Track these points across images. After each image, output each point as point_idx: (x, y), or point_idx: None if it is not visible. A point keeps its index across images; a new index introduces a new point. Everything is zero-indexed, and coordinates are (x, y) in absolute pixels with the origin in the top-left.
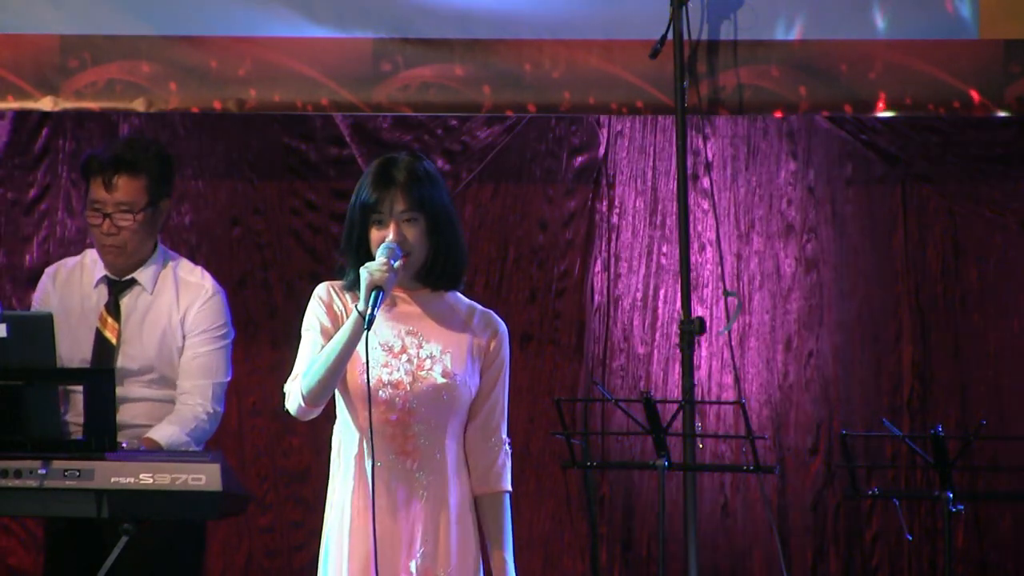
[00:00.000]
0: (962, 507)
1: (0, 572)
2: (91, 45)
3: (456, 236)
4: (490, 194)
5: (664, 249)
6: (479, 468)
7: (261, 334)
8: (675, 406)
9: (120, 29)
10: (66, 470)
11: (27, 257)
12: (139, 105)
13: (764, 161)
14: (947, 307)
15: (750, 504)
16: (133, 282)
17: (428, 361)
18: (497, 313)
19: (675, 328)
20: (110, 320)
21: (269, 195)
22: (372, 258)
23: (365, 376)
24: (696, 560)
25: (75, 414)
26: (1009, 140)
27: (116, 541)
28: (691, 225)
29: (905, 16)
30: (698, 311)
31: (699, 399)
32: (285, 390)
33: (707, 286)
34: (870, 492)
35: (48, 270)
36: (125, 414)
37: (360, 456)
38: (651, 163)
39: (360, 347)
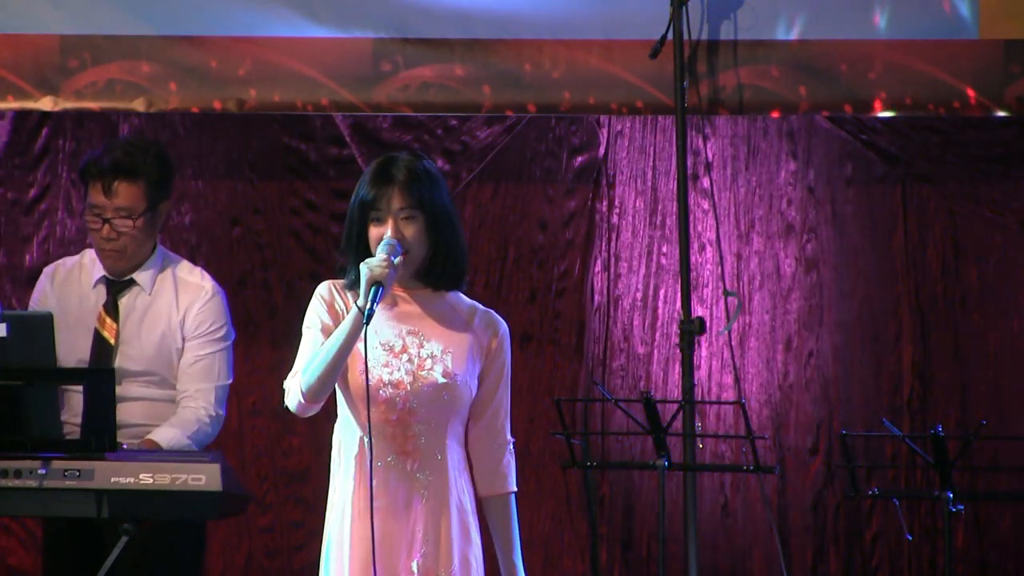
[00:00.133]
0: (962, 507)
1: (0, 572)
2: (91, 45)
3: (456, 236)
4: (490, 194)
5: (664, 249)
6: (485, 470)
7: (261, 334)
8: (675, 406)
9: (120, 29)
10: (66, 470)
11: (27, 257)
12: (139, 105)
13: (764, 161)
14: (947, 307)
15: (750, 504)
16: (132, 282)
17: (429, 361)
18: (497, 313)
19: (675, 328)
20: (108, 320)
21: (269, 195)
22: (371, 256)
23: (365, 375)
24: (696, 560)
25: (72, 414)
26: (1009, 140)
27: (116, 541)
28: (691, 225)
29: (905, 16)
30: (698, 311)
31: (699, 399)
32: (285, 387)
33: (707, 286)
34: (870, 492)
35: (46, 270)
36: (122, 413)
37: (361, 456)
38: (651, 163)
39: (361, 346)
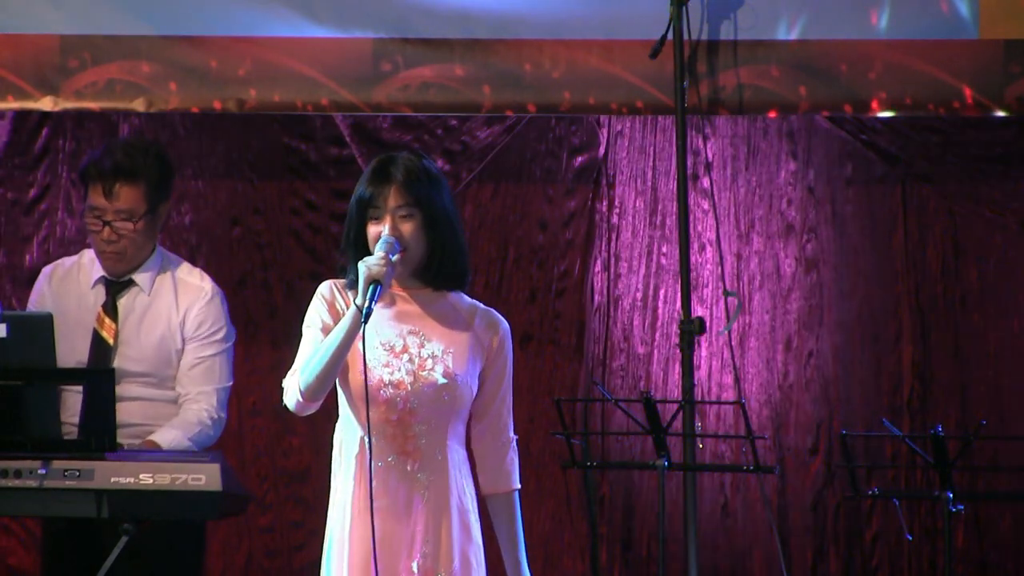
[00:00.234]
0: (962, 507)
1: (0, 572)
2: (91, 45)
3: (455, 235)
4: (490, 194)
5: (664, 249)
6: (488, 468)
7: (261, 334)
8: (675, 406)
9: (120, 29)
10: (66, 470)
11: (27, 257)
12: (139, 105)
13: (764, 161)
14: (947, 307)
15: (750, 504)
16: (131, 283)
17: (430, 361)
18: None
19: (675, 328)
20: (107, 320)
21: (269, 195)
22: (370, 253)
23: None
24: (696, 560)
25: (70, 414)
26: (1009, 140)
27: (116, 541)
28: (691, 225)
29: (905, 16)
30: (698, 311)
31: (699, 399)
32: (284, 385)
33: (707, 286)
34: (870, 492)
35: (45, 270)
36: (121, 414)
37: (361, 456)
38: (651, 163)
39: (360, 345)
